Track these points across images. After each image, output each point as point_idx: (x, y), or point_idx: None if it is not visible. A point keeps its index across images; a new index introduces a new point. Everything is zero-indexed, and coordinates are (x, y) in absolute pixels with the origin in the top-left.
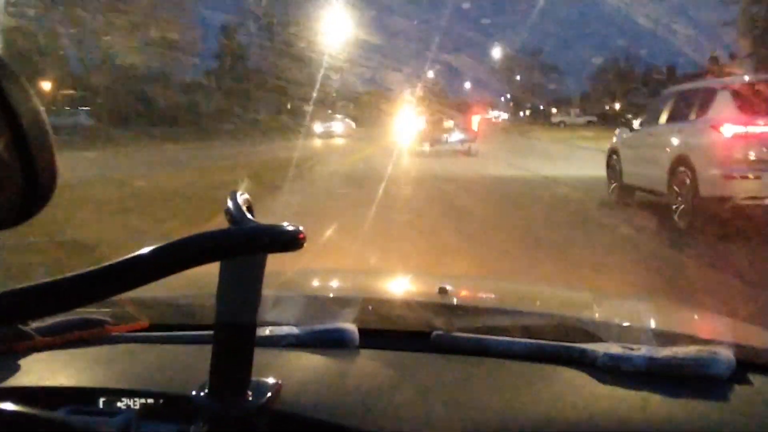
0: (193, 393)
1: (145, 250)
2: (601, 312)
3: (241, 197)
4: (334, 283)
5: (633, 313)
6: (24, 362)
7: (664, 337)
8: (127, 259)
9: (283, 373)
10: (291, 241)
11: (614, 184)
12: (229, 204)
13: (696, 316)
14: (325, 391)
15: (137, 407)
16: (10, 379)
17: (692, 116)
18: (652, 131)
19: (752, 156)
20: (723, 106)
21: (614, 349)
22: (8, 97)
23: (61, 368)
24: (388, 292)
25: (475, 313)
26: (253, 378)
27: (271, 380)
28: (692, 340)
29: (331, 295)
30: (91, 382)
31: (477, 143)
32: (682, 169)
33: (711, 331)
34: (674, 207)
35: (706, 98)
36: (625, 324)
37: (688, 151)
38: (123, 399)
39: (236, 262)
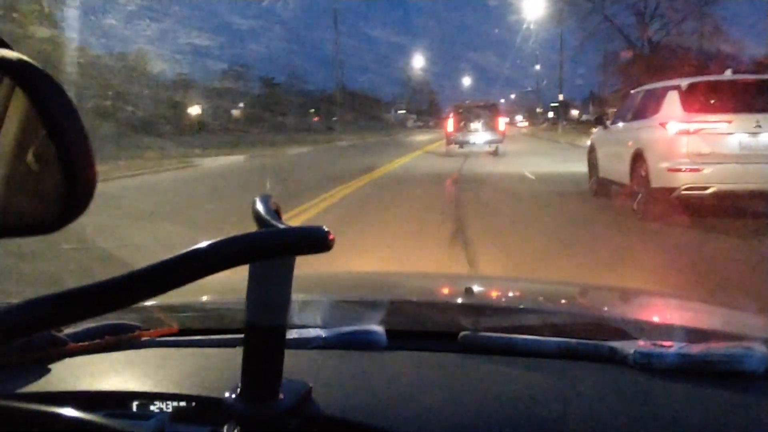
0: (225, 396)
1: (175, 255)
2: (630, 309)
3: (270, 200)
4: (361, 285)
5: (664, 310)
6: (58, 367)
7: (697, 334)
8: (157, 265)
9: (312, 375)
10: (320, 243)
11: (593, 178)
12: (257, 207)
13: (728, 313)
14: (355, 392)
15: (170, 410)
16: (45, 384)
17: (649, 115)
18: (620, 128)
19: (693, 150)
20: (671, 106)
21: (645, 346)
22: (48, 104)
23: (94, 373)
24: (415, 293)
25: (503, 312)
26: (284, 380)
27: (301, 382)
28: (725, 336)
29: (359, 297)
30: (124, 387)
31: (503, 144)
32: (639, 163)
33: (744, 328)
34: (634, 197)
35: (660, 98)
36: (656, 321)
37: (643, 146)
38: (156, 402)
39: (265, 264)
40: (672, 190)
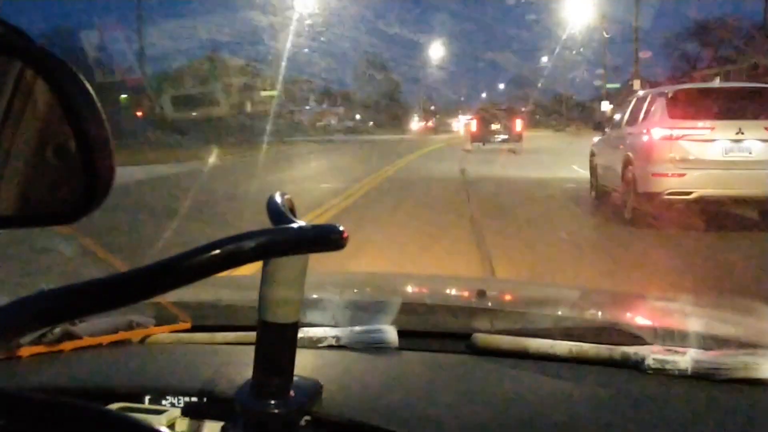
0: (236, 392)
1: (188, 250)
2: (644, 314)
3: (284, 197)
4: (374, 285)
5: (678, 316)
6: (72, 361)
7: (711, 340)
8: (170, 259)
9: (323, 373)
10: (334, 241)
11: (593, 183)
12: (272, 204)
13: (744, 319)
14: (366, 392)
15: (181, 405)
16: (58, 377)
17: (638, 121)
18: (615, 134)
19: (676, 156)
20: (656, 112)
21: (659, 351)
22: (69, 96)
23: (107, 367)
24: (428, 294)
25: (515, 315)
26: (295, 378)
27: (312, 381)
28: (740, 343)
29: (371, 297)
30: (136, 381)
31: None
32: (628, 168)
33: (760, 335)
34: (624, 202)
35: (647, 105)
36: (670, 326)
37: (631, 152)
38: (167, 397)
39: (278, 262)
40: (656, 195)
